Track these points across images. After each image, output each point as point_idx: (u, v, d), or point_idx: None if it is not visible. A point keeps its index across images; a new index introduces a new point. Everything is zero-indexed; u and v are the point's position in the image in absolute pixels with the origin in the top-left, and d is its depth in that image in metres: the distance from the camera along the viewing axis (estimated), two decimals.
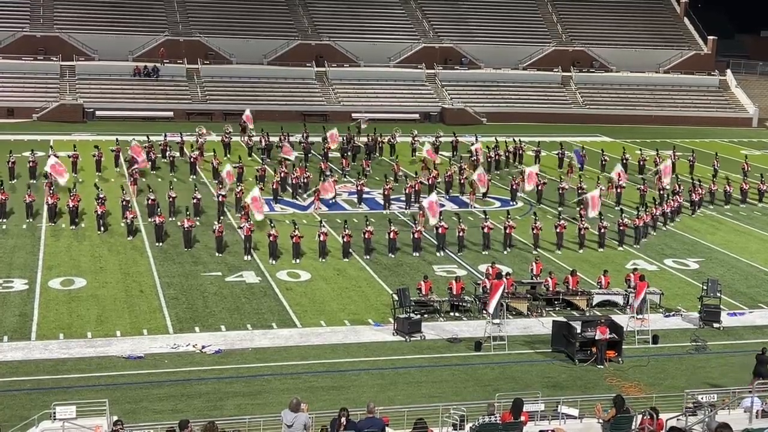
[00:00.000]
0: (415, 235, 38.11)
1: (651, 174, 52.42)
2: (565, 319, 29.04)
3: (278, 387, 24.74)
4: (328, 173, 49.19)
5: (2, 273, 33.70)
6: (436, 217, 39.04)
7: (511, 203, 47.25)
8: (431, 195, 41.74)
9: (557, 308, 32.00)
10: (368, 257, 37.13)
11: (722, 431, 15.53)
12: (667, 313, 32.07)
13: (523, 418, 19.34)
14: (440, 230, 38.37)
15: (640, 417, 19.53)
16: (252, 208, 39.27)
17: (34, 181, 46.35)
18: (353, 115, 68.65)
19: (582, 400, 22.03)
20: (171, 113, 69.95)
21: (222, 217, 40.73)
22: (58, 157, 46.64)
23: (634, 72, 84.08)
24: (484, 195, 47.84)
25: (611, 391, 24.16)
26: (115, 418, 19.76)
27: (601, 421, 19.94)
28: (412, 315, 29.54)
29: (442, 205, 43.44)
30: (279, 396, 22.87)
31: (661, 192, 47.23)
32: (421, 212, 40.92)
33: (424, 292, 31.46)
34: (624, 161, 54.60)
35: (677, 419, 20.08)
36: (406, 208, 44.91)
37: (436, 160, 53.88)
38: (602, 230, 39.74)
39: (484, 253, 38.25)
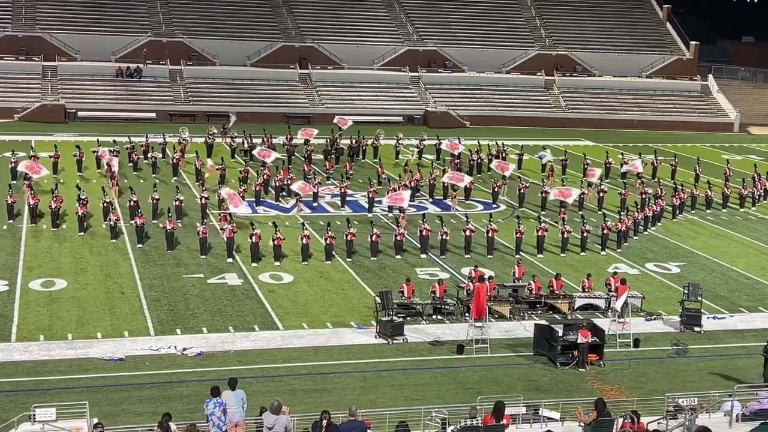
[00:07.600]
0: (398, 238, 38.12)
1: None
2: (547, 323, 29.11)
3: (260, 389, 24.66)
4: (311, 176, 49.13)
5: None
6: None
7: (493, 206, 47.34)
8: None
9: (539, 311, 32.09)
10: (350, 260, 37.09)
11: None
12: (648, 317, 32.19)
13: (504, 421, 19.40)
14: (424, 233, 38.40)
15: (621, 420, 19.61)
16: (229, 203, 39.23)
17: (15, 182, 46.08)
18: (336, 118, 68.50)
19: (563, 403, 22.08)
20: (154, 114, 69.74)
21: (206, 219, 40.61)
22: (35, 158, 47.01)
23: (616, 76, 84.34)
24: (467, 197, 47.95)
25: (593, 394, 24.21)
26: (96, 420, 19.66)
27: (582, 424, 20.00)
28: (394, 318, 29.53)
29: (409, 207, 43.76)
30: (260, 398, 22.78)
31: (643, 196, 47.41)
32: (402, 215, 40.94)
33: (406, 295, 31.47)
34: (607, 165, 54.92)
35: (658, 423, 20.19)
36: (388, 211, 44.92)
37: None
38: (585, 234, 39.87)
39: (466, 256, 38.32)
